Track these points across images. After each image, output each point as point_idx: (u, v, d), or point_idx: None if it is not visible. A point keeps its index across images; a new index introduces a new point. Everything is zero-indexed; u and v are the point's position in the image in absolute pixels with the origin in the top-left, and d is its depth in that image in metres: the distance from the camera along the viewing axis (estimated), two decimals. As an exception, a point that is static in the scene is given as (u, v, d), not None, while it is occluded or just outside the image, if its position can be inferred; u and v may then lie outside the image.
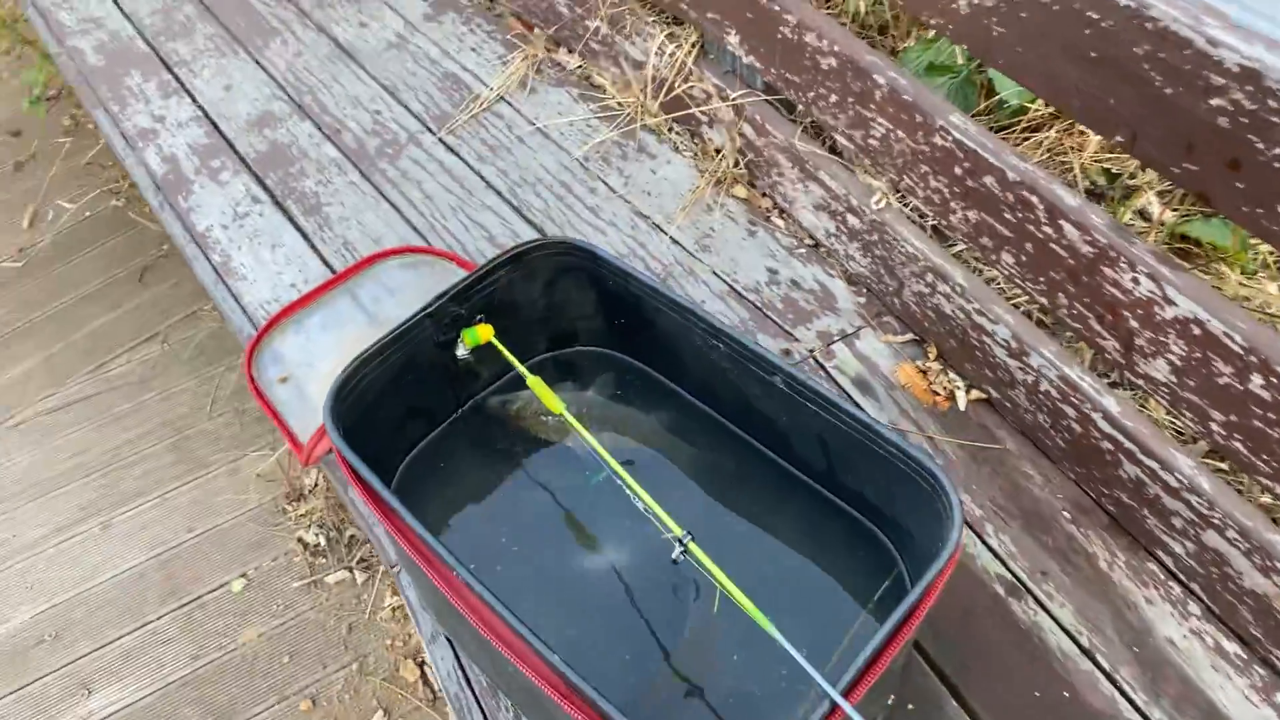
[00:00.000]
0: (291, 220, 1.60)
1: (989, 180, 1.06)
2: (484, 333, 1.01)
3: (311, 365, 1.39)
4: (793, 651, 0.74)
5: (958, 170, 1.10)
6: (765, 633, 0.76)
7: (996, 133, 1.40)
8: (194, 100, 1.85)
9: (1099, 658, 1.00)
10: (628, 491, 0.85)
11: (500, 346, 1.01)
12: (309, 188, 1.65)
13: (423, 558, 0.81)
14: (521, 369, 0.99)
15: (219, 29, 2.01)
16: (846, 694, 0.68)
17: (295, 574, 1.80)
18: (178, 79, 1.90)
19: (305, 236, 1.57)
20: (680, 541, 0.80)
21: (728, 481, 1.06)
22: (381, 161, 1.68)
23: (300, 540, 1.85)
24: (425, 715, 1.61)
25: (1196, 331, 0.89)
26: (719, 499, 1.05)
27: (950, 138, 1.09)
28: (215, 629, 1.74)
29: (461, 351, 1.03)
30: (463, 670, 1.06)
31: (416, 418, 1.09)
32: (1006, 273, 1.10)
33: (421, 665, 1.68)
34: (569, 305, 1.12)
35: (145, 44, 1.99)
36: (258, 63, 1.92)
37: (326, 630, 1.72)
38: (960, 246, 1.33)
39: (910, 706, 0.98)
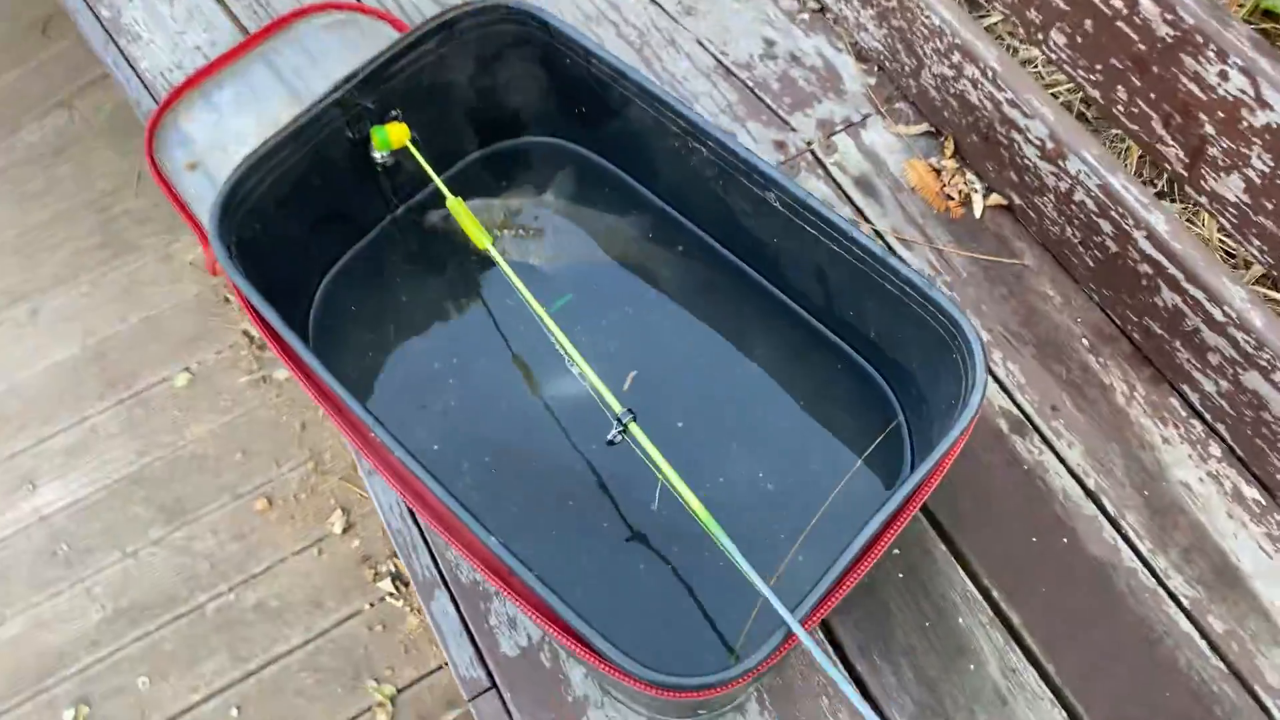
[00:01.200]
0: (192, -36, 1.33)
1: (1049, -67, 0.84)
2: (397, 134, 0.82)
3: (225, 149, 1.19)
4: (745, 566, 0.63)
5: (1010, -82, 0.87)
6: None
7: None
8: None
9: (1105, 501, 0.91)
10: (563, 355, 0.71)
11: (416, 153, 0.82)
12: (210, -79, 1.35)
13: (340, 416, 0.67)
14: (442, 187, 0.81)
15: None
16: (829, 595, 0.58)
17: (242, 368, 1.69)
18: None
19: (209, -15, 1.31)
20: (619, 421, 0.67)
21: (708, 303, 0.91)
22: (297, -112, 1.37)
23: (245, 333, 1.72)
24: (387, 515, 1.56)
25: (1289, 144, 0.72)
26: (700, 319, 0.90)
27: (1005, -127, 0.85)
28: (160, 425, 1.64)
29: (377, 156, 0.84)
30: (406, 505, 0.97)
31: (337, 225, 0.92)
32: (1054, 55, 0.90)
33: (381, 465, 1.61)
34: (514, 87, 0.91)
35: None
36: None
37: (279, 427, 1.64)
38: (996, 18, 1.10)
39: (895, 551, 0.90)
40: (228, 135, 1.20)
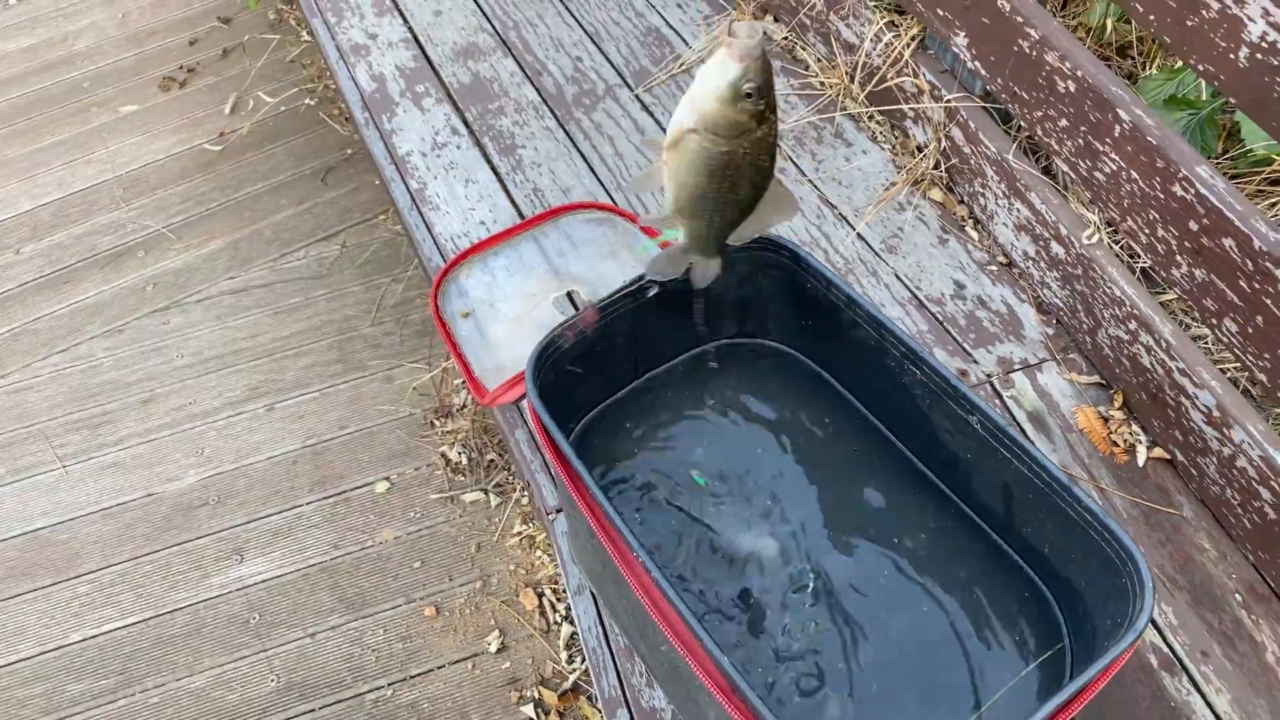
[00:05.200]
0: (487, 158, 1.65)
1: (1229, 243, 1.00)
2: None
3: (493, 305, 1.44)
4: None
5: (1193, 225, 1.04)
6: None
7: (1232, 180, 1.32)
8: (405, 21, 1.91)
9: (1248, 751, 0.97)
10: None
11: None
12: (506, 127, 1.69)
13: (603, 530, 0.85)
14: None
15: (436, -50, 2.05)
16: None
17: (434, 486, 1.90)
18: (393, -3, 1.96)
19: (498, 176, 1.62)
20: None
21: (897, 510, 1.06)
22: (578, 110, 1.70)
23: (443, 455, 1.95)
24: (538, 643, 1.70)
25: None
26: (886, 529, 1.05)
27: (1193, 190, 1.03)
28: (356, 524, 1.86)
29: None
30: (603, 627, 1.11)
31: (601, 383, 1.13)
32: (1226, 339, 1.05)
33: (540, 596, 1.76)
34: (763, 299, 1.13)
35: (366, -43, 2.05)
36: (469, -10, 1.95)
37: (457, 545, 1.82)
38: (1172, 296, 1.26)
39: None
40: (497, 294, 1.46)
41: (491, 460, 1.93)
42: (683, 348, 1.17)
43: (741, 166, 0.85)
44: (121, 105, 2.72)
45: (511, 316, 1.42)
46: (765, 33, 1.77)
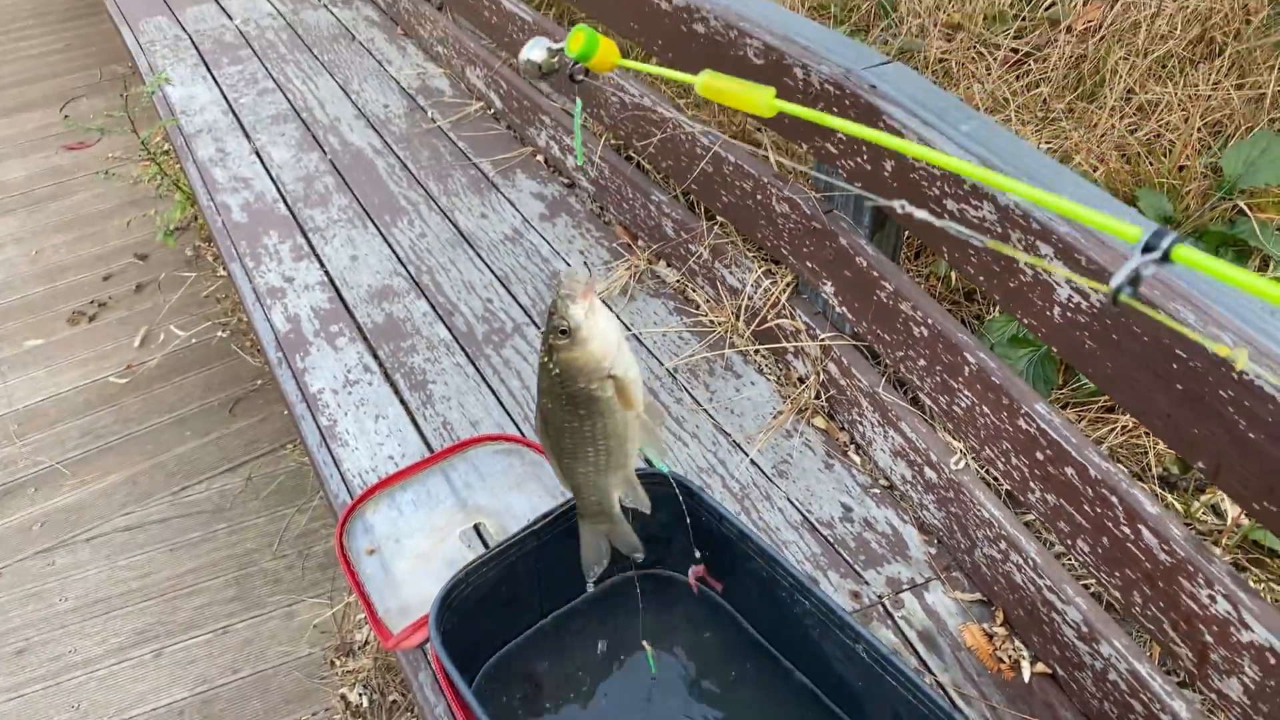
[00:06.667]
0: (398, 393, 1.71)
1: (1070, 471, 1.13)
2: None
3: (399, 541, 1.46)
4: None
5: (1039, 455, 1.17)
6: None
7: (1073, 407, 1.48)
8: (322, 265, 2.02)
9: None
10: None
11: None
12: (418, 364, 1.77)
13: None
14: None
15: (353, 201, 2.21)
16: None
17: (332, 734, 1.81)
18: (310, 244, 2.08)
19: (409, 411, 1.68)
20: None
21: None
22: (488, 347, 1.80)
23: (343, 697, 1.86)
24: None
25: (1272, 660, 0.92)
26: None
27: (1035, 424, 1.16)
28: (246, 781, 1.74)
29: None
30: None
31: (505, 623, 1.14)
32: (1081, 559, 1.15)
33: None
34: (663, 531, 1.18)
35: (286, 208, 2.20)
36: (384, 238, 2.09)
37: (355, 798, 1.71)
38: (1032, 516, 1.37)
39: None
40: (402, 530, 1.48)
41: (394, 701, 1.86)
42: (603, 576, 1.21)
43: (577, 396, 0.89)
44: (25, 339, 2.72)
45: (418, 553, 1.43)
46: (663, 279, 1.94)
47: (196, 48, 2.90)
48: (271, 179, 2.29)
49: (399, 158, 2.35)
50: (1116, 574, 1.09)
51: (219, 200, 2.22)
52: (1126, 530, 1.06)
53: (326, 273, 2.00)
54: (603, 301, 0.89)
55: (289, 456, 2.34)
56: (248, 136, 2.46)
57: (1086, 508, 1.12)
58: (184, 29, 3.01)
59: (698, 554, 1.06)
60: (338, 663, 1.91)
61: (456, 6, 2.60)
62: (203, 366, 2.60)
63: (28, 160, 3.52)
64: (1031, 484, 1.20)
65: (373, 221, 2.14)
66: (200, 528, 2.19)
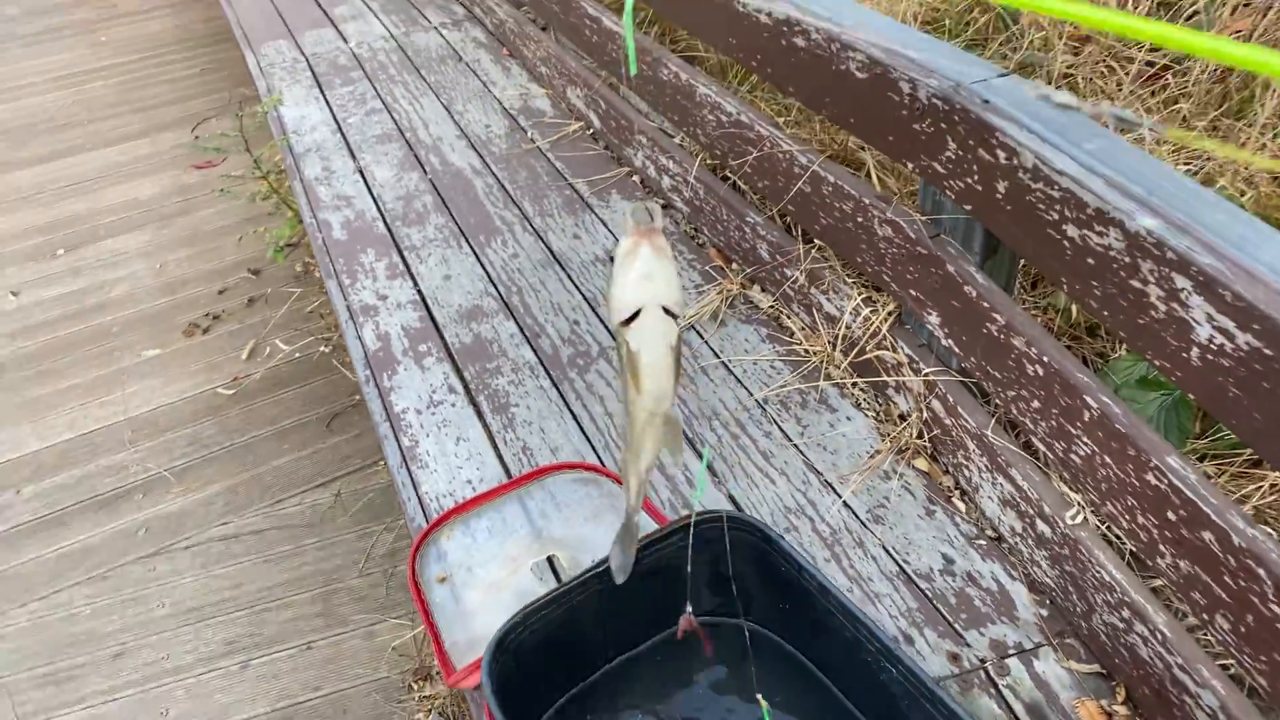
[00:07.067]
0: (480, 415, 1.68)
1: (1208, 536, 0.98)
2: None
3: (471, 570, 1.42)
4: None
5: (1171, 515, 1.03)
6: None
7: (1211, 459, 1.32)
8: (415, 284, 2.02)
9: None
10: None
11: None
12: (502, 386, 1.74)
13: None
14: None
15: (449, 220, 2.21)
16: None
17: (406, 758, 1.78)
18: (405, 262, 2.09)
19: (490, 434, 1.64)
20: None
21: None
22: (572, 371, 1.75)
23: (419, 724, 1.84)
24: None
25: None
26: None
27: (1166, 480, 1.03)
28: (319, 801, 1.72)
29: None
30: None
31: (568, 668, 1.08)
32: (1220, 637, 1.00)
33: None
34: (740, 578, 1.10)
35: (384, 226, 2.22)
36: (477, 257, 2.08)
37: (425, 829, 1.68)
38: (1162, 582, 1.22)
39: None
40: (475, 558, 1.44)
41: (468, 729, 1.82)
42: (656, 629, 1.13)
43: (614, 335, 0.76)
44: (145, 349, 2.84)
45: (489, 582, 1.39)
46: (756, 305, 1.85)
47: (312, 69, 3.00)
48: (373, 197, 2.32)
49: (497, 178, 2.35)
50: (1263, 657, 0.95)
51: (321, 218, 2.26)
52: (1276, 608, 0.92)
53: (419, 291, 2.00)
54: (657, 253, 0.72)
55: (380, 473, 2.35)
56: (353, 156, 2.50)
57: (1227, 579, 0.97)
58: (302, 52, 3.11)
59: (689, 607, 0.95)
60: (415, 687, 1.89)
61: (559, 26, 2.59)
62: (304, 381, 2.66)
63: (160, 178, 3.71)
64: (1161, 547, 1.06)
65: (467, 241, 2.13)
66: (291, 541, 2.22)
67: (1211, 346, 0.93)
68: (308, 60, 3.06)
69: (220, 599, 2.10)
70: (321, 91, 2.85)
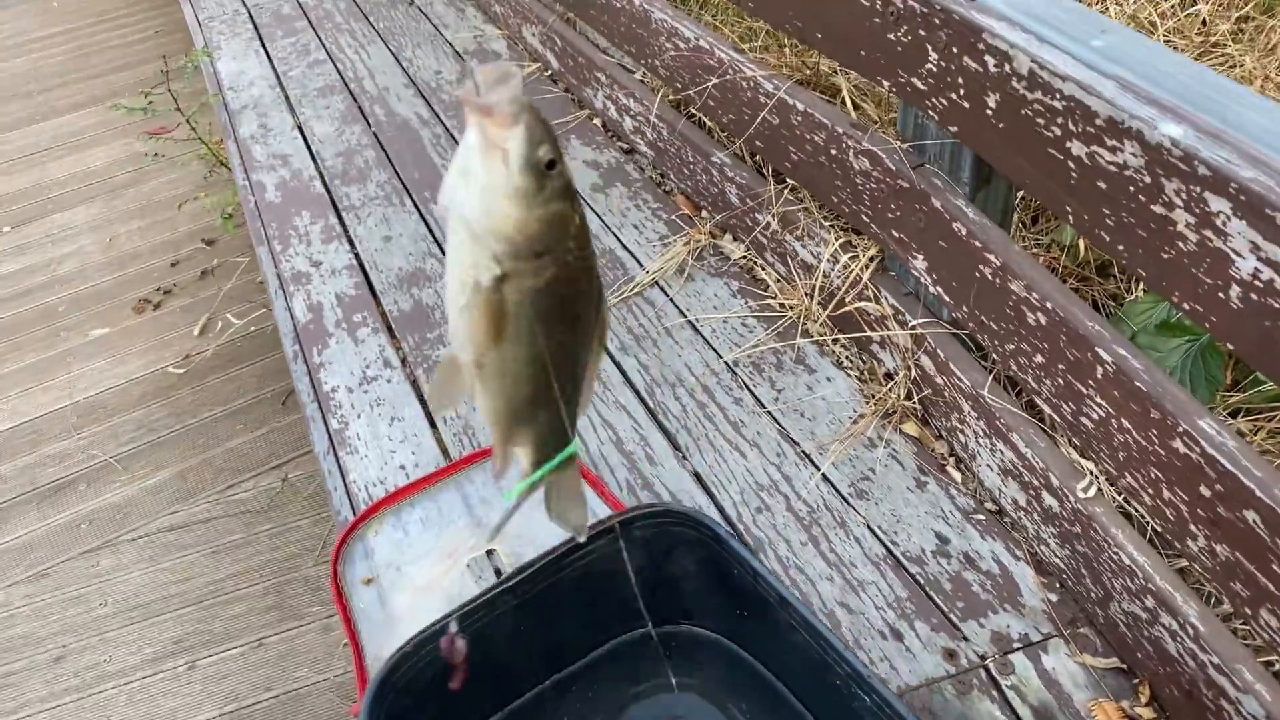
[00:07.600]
0: (418, 392, 1.51)
1: (1251, 516, 0.80)
2: None
3: (400, 569, 1.25)
4: None
5: (1205, 490, 0.85)
6: None
7: (1246, 416, 1.13)
8: (352, 247, 1.84)
9: None
10: None
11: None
12: (442, 358, 1.56)
13: None
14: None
15: (392, 176, 2.02)
16: None
17: (362, 765, 1.64)
18: (343, 224, 1.90)
19: (428, 412, 1.47)
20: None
21: None
22: (520, 338, 1.57)
23: (375, 725, 1.69)
24: None
25: None
26: None
27: (1198, 448, 0.84)
28: (268, 814, 1.59)
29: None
30: None
31: (491, 695, 0.91)
32: (1267, 635, 0.83)
33: None
34: (682, 579, 0.93)
35: (322, 185, 2.02)
36: (421, 215, 1.89)
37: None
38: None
39: None
40: (406, 555, 1.27)
41: (429, 731, 1.67)
42: (596, 641, 0.96)
43: (579, 282, 0.59)
44: (92, 329, 2.67)
45: (420, 583, 1.22)
46: (727, 255, 1.66)
47: (253, 20, 2.78)
48: (311, 155, 2.12)
49: (445, 126, 2.15)
50: (1322, 665, 0.77)
51: (255, 179, 2.07)
52: (1340, 607, 0.74)
53: (356, 255, 1.81)
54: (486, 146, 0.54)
55: (336, 453, 2.19)
56: (292, 111, 2.30)
57: (1275, 566, 0.79)
58: (244, 3, 2.89)
59: (454, 626, 0.77)
60: (372, 684, 1.74)
61: (512, -42, 2.36)
62: (257, 356, 2.49)
63: (111, 147, 3.51)
64: (1193, 528, 0.88)
65: (410, 197, 1.94)
66: (243, 529, 2.07)
67: (1256, 283, 0.74)
68: (249, 11, 2.84)
69: (167, 594, 1.95)
70: (262, 44, 2.64)
